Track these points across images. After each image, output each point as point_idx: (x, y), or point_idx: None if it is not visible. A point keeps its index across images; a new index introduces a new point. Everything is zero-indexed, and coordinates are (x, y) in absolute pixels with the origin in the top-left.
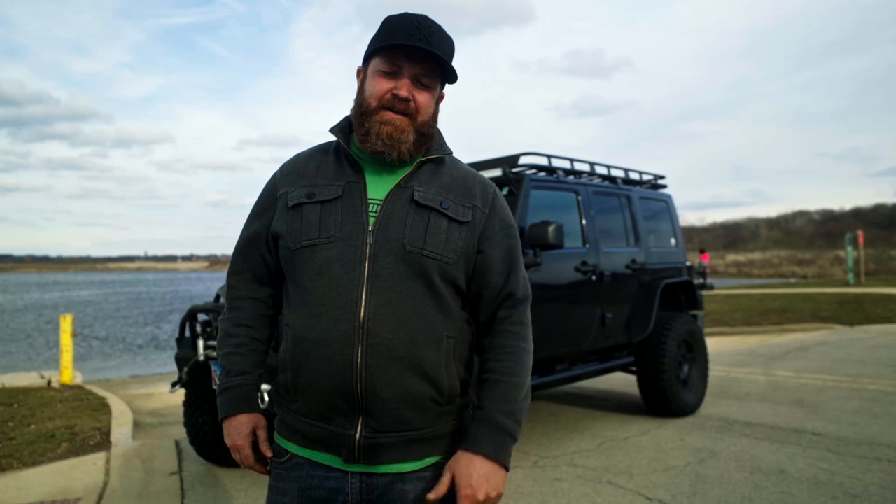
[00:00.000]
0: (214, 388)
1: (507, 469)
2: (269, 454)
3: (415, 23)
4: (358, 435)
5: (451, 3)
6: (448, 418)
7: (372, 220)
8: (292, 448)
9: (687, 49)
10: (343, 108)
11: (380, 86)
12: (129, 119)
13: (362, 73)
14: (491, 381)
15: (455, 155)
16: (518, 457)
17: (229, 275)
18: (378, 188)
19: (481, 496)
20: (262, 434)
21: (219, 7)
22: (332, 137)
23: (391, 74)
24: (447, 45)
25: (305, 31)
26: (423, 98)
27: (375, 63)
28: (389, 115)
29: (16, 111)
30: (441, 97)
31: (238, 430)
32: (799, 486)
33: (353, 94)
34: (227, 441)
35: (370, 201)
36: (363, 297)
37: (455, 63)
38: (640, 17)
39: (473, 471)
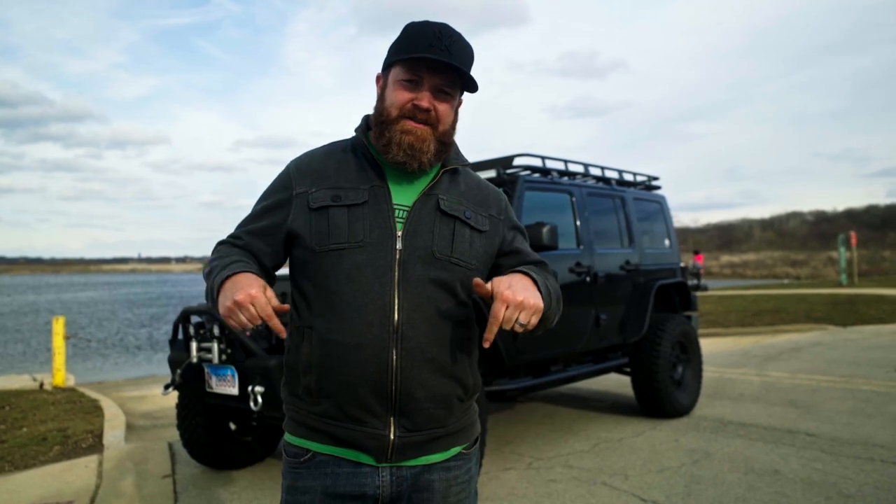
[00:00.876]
0: (208, 390)
1: (544, 304)
2: (285, 308)
3: (436, 32)
4: (392, 435)
5: (448, 4)
6: (468, 412)
7: (399, 226)
8: (314, 447)
9: (683, 50)
10: (338, 108)
11: (401, 96)
12: (125, 120)
13: (382, 81)
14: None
15: None
16: (512, 458)
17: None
18: (402, 194)
19: (520, 297)
20: (271, 292)
21: (214, 8)
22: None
23: (412, 84)
24: (468, 55)
25: (301, 32)
26: (443, 108)
27: (396, 72)
28: (411, 125)
29: (10, 112)
30: (459, 104)
31: (248, 281)
32: (793, 486)
33: (350, 95)
34: (237, 296)
35: (395, 207)
36: (395, 301)
37: (473, 71)
38: (636, 17)
39: (514, 280)
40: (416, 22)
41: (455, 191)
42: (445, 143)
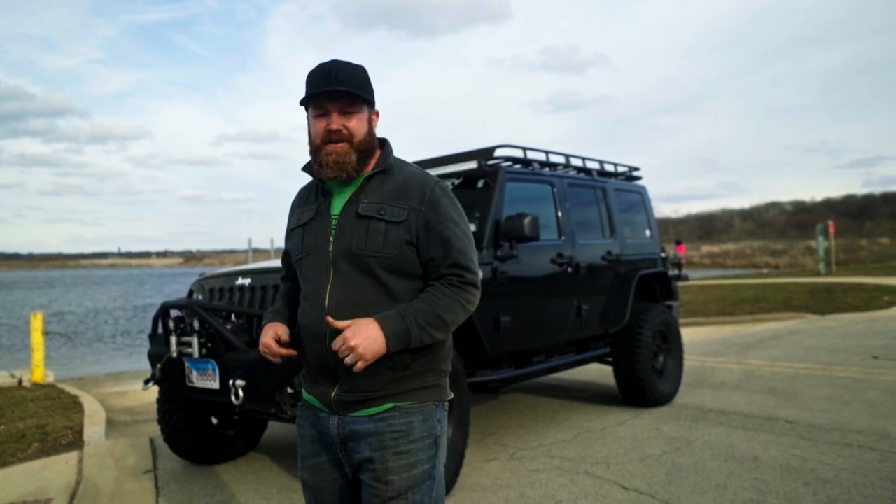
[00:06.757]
0: (189, 384)
1: (388, 349)
2: (287, 350)
3: (325, 69)
4: (333, 395)
5: (431, 3)
6: (407, 379)
7: (333, 232)
8: (305, 396)
9: (660, 45)
10: None
11: (317, 127)
12: (106, 115)
13: (307, 120)
14: (417, 299)
15: (434, 150)
16: (496, 449)
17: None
18: (338, 206)
19: (352, 343)
20: (283, 330)
21: (192, 3)
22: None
23: (322, 115)
24: (357, 77)
25: (281, 27)
26: (352, 123)
27: (310, 111)
28: (331, 147)
29: None
30: (375, 114)
31: (265, 331)
32: (772, 472)
33: None
34: (260, 345)
35: (332, 217)
36: (327, 293)
37: (374, 85)
38: (615, 13)
39: (363, 327)
40: (312, 68)
41: (381, 191)
42: (366, 151)
